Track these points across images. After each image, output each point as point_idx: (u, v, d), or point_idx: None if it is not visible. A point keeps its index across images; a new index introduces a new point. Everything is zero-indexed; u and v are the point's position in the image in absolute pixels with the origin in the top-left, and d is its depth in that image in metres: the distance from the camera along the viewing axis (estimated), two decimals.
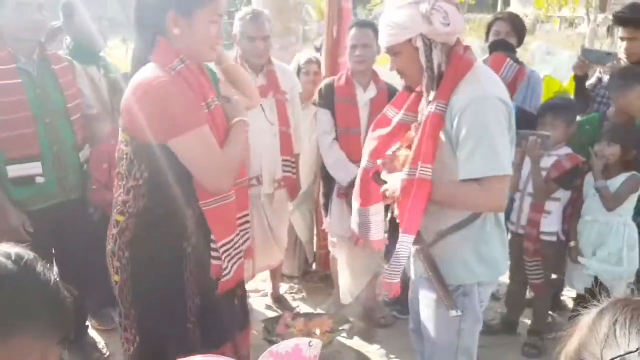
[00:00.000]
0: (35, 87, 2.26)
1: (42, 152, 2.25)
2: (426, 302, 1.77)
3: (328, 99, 2.73)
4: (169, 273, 1.63)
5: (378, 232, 1.96)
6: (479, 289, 1.69)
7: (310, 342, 0.69)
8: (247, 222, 1.86)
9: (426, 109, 1.63)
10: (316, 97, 2.83)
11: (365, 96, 2.72)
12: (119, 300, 1.71)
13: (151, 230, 1.61)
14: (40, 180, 2.27)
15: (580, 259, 2.59)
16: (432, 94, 1.60)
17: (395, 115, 1.79)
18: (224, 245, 1.65)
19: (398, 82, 2.81)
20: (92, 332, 2.83)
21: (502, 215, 1.72)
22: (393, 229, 2.30)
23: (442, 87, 1.58)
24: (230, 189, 1.64)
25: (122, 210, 1.63)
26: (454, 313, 1.63)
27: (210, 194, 1.60)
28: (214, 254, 1.66)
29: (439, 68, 1.58)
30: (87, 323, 2.81)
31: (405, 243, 1.63)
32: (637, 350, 0.62)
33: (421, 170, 1.57)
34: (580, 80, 2.95)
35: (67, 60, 2.46)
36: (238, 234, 1.73)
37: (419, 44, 1.56)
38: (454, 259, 1.67)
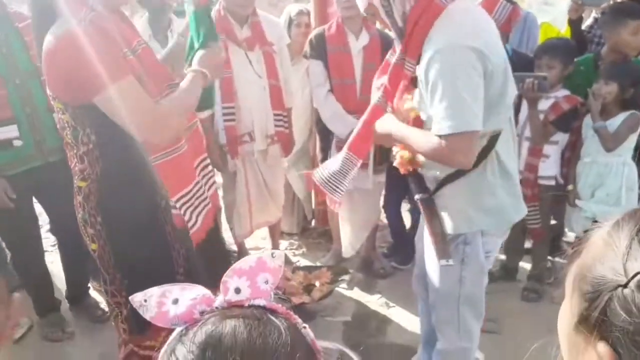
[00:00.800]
0: (0, 47, 2.17)
1: (15, 115, 2.19)
2: (429, 249, 1.75)
3: (319, 49, 2.65)
4: (147, 229, 1.59)
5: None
6: (483, 238, 1.65)
7: (273, 253, 0.65)
8: (208, 165, 1.81)
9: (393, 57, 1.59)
10: (307, 48, 2.74)
11: (357, 44, 2.64)
12: (100, 267, 1.66)
13: (117, 190, 1.54)
14: (17, 143, 2.21)
15: (577, 201, 2.57)
16: (399, 47, 1.55)
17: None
18: (181, 197, 1.60)
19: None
20: (93, 293, 2.84)
21: (510, 162, 1.63)
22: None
23: (407, 41, 1.51)
24: (170, 140, 1.55)
25: (82, 177, 1.56)
26: (443, 262, 1.60)
27: (157, 147, 1.53)
28: (175, 205, 1.61)
29: (402, 17, 1.50)
30: (89, 284, 2.82)
31: (348, 161, 1.73)
32: None
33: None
34: (575, 23, 2.87)
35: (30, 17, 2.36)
36: (198, 182, 1.68)
37: (375, 2, 1.50)
38: (452, 208, 1.64)
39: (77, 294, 2.75)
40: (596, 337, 0.57)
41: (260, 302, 0.62)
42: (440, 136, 1.45)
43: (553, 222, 2.93)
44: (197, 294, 0.62)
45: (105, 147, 1.51)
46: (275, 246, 3.28)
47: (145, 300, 0.62)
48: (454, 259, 1.62)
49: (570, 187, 2.64)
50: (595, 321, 0.57)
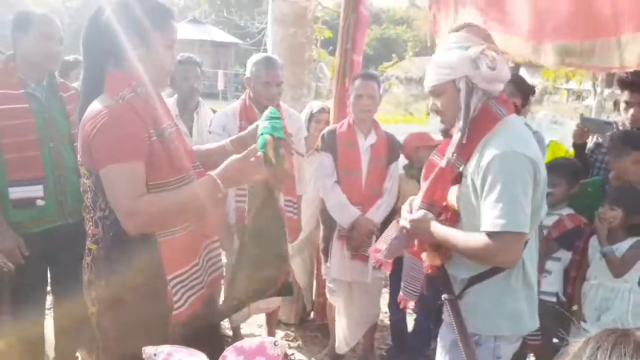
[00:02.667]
0: (43, 112, 2.32)
1: (44, 176, 2.28)
2: (442, 344, 1.78)
3: (330, 143, 2.80)
4: (148, 300, 1.60)
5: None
6: (495, 342, 1.66)
7: (276, 341, 0.69)
8: (216, 248, 1.80)
9: (449, 155, 1.67)
10: (319, 142, 2.89)
11: (366, 142, 2.79)
12: (97, 332, 1.65)
13: (124, 258, 1.57)
14: (40, 203, 2.28)
15: (583, 324, 2.52)
16: (454, 148, 1.64)
17: (439, 160, 1.80)
18: (177, 276, 1.60)
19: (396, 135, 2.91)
20: None
21: (532, 273, 1.70)
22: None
23: (463, 145, 1.62)
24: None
25: (94, 240, 1.61)
26: None
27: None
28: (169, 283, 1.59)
29: (472, 112, 1.61)
30: (77, 353, 2.75)
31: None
32: None
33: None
34: (579, 147, 2.98)
35: (74, 88, 2.53)
36: (197, 264, 1.67)
37: (462, 85, 1.59)
38: (476, 308, 1.67)
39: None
40: None
41: None
42: (490, 234, 1.52)
43: (555, 340, 2.85)
44: None
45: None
46: (271, 335, 3.20)
47: (155, 354, 0.66)
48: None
49: (575, 307, 2.60)
50: None
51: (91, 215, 1.61)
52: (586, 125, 2.90)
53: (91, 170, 1.55)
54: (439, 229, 1.66)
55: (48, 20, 2.32)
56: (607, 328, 0.72)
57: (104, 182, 1.50)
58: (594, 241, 2.55)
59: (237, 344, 0.67)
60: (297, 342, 3.32)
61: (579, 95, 16.70)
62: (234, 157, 1.61)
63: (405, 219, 1.79)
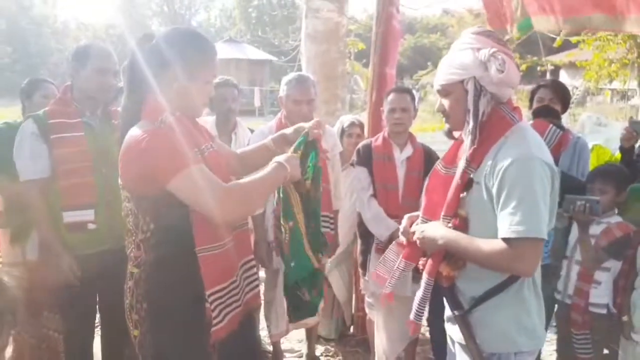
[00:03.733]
0: (96, 140, 2.42)
1: (97, 200, 2.37)
2: None
3: (365, 158, 2.80)
4: (189, 323, 1.63)
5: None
6: (515, 358, 1.61)
7: None
8: (253, 267, 1.83)
9: (462, 161, 1.64)
10: (354, 157, 2.90)
11: (402, 155, 2.77)
12: (139, 355, 1.68)
13: (166, 280, 1.61)
14: (92, 226, 2.37)
15: (633, 335, 2.42)
16: (468, 152, 1.60)
17: (443, 169, 1.78)
18: (215, 292, 1.62)
19: (429, 144, 2.88)
20: None
21: (539, 282, 1.65)
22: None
23: (475, 149, 1.59)
24: (239, 220, 1.62)
25: (136, 264, 1.65)
26: None
27: (204, 239, 1.59)
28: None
29: (482, 116, 1.58)
30: None
31: (427, 284, 1.71)
32: None
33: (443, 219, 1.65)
34: (627, 151, 2.90)
35: None
36: (235, 281, 1.70)
37: (470, 86, 1.57)
38: (491, 326, 1.62)
39: None
40: None
41: None
42: (507, 240, 1.47)
43: (606, 351, 2.73)
44: None
45: (161, 237, 1.59)
46: (311, 350, 3.21)
47: None
48: None
49: (625, 318, 2.50)
50: None
51: (133, 238, 1.66)
52: (635, 129, 2.80)
53: (134, 192, 1.60)
54: (449, 235, 1.61)
55: (106, 55, 2.42)
56: None
57: (178, 191, 1.51)
58: None
59: None
60: (338, 358, 3.30)
61: (623, 95, 16.08)
62: (288, 155, 1.73)
63: (414, 231, 1.74)
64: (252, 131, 3.11)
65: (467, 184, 1.60)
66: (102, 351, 2.73)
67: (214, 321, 1.63)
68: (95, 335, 2.71)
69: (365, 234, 2.83)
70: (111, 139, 2.46)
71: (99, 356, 2.76)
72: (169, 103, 1.61)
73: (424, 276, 1.72)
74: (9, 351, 2.90)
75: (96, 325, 2.81)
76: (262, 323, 3.19)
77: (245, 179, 1.63)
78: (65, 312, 2.58)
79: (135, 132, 1.57)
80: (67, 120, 2.38)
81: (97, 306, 2.67)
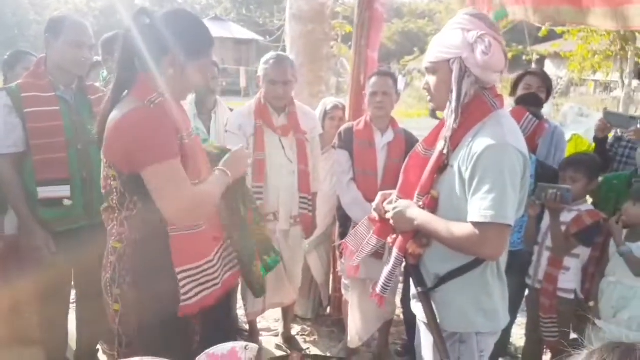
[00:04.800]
0: (71, 114, 2.39)
1: (71, 176, 2.35)
2: (425, 345, 1.76)
3: (347, 141, 2.80)
4: (172, 296, 1.65)
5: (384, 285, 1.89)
6: (477, 338, 1.67)
7: (247, 345, 0.72)
8: (230, 247, 1.87)
9: (440, 141, 1.66)
10: (335, 140, 2.90)
11: (382, 140, 2.78)
12: (118, 329, 1.70)
13: (150, 256, 1.63)
14: (67, 202, 2.35)
15: (597, 321, 2.49)
16: (449, 132, 1.62)
17: (423, 151, 1.80)
18: (186, 270, 1.66)
19: (413, 129, 2.89)
20: (102, 357, 2.86)
21: (503, 266, 1.70)
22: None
23: (454, 131, 1.61)
24: (193, 223, 1.65)
25: (119, 239, 1.66)
26: None
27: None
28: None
29: (464, 97, 1.60)
30: (98, 346, 2.84)
31: (396, 259, 1.76)
32: None
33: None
34: (600, 141, 2.95)
35: (102, 90, 2.59)
36: (211, 261, 1.73)
37: (455, 66, 1.58)
38: (452, 305, 1.66)
39: (86, 355, 2.76)
40: None
41: None
42: (476, 224, 1.51)
43: (573, 335, 2.82)
44: None
45: (147, 215, 1.61)
46: (287, 329, 3.25)
47: None
48: (451, 358, 1.62)
49: (591, 303, 2.57)
50: None
51: (116, 215, 1.66)
52: (609, 121, 2.85)
53: (123, 171, 1.59)
54: (422, 216, 1.64)
55: (80, 27, 2.37)
56: (612, 342, 0.71)
57: (148, 180, 1.54)
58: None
59: (210, 350, 0.72)
60: (314, 337, 3.35)
61: (606, 87, 16.27)
62: (229, 153, 1.84)
63: (388, 210, 1.78)
64: (232, 111, 3.10)
65: (442, 166, 1.63)
66: (77, 326, 2.74)
67: (182, 297, 1.65)
68: (70, 311, 2.72)
69: (343, 217, 2.86)
70: (86, 115, 2.43)
71: (74, 331, 2.77)
72: (160, 84, 1.61)
73: (394, 251, 1.77)
74: None
75: (71, 302, 2.81)
76: (239, 302, 3.22)
77: (200, 187, 1.65)
78: (39, 288, 2.57)
79: (122, 109, 1.57)
80: (40, 94, 2.33)
81: (73, 282, 2.67)
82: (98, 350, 2.84)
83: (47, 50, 2.38)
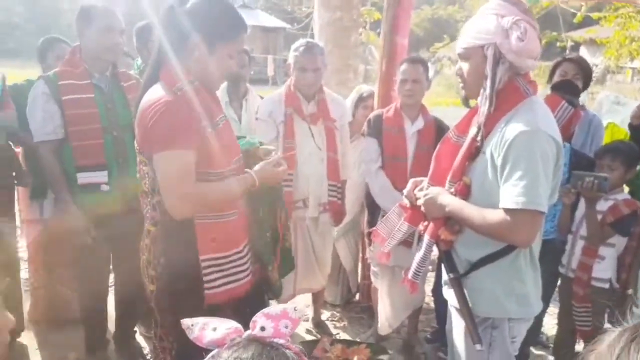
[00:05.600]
0: (106, 102, 2.45)
1: (107, 162, 2.42)
2: (457, 331, 1.77)
3: (376, 129, 2.80)
4: (200, 283, 1.68)
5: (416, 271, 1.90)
6: (509, 324, 1.67)
7: (295, 307, 0.84)
8: None
9: (473, 128, 1.65)
10: (364, 127, 2.90)
11: (412, 127, 2.76)
12: (155, 309, 1.75)
13: (183, 238, 1.65)
14: (104, 188, 2.42)
15: (635, 309, 2.45)
16: (483, 118, 1.60)
17: (455, 137, 1.79)
18: (213, 259, 1.67)
19: (443, 118, 2.87)
20: (139, 338, 2.95)
21: (537, 253, 1.69)
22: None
23: (487, 119, 1.59)
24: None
25: (152, 222, 1.71)
26: (478, 347, 1.62)
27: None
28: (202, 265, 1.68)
29: (498, 83, 1.58)
30: (135, 328, 2.93)
31: (427, 245, 1.76)
32: None
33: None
34: (635, 128, 2.86)
35: (135, 78, 2.65)
36: (240, 252, 1.74)
37: (490, 52, 1.56)
38: (484, 291, 1.66)
39: (124, 336, 2.84)
40: None
41: (279, 340, 0.79)
42: (508, 210, 1.50)
43: (607, 325, 2.78)
44: (232, 326, 0.81)
45: None
46: (317, 315, 3.29)
47: (192, 325, 0.82)
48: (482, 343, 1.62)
49: (630, 291, 2.52)
50: None
51: (149, 199, 1.71)
52: None
53: (149, 156, 1.63)
54: (453, 202, 1.64)
55: (109, 14, 2.42)
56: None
57: (156, 166, 1.59)
58: None
59: (265, 309, 0.82)
60: (343, 323, 3.38)
61: None
62: (268, 161, 1.82)
63: (419, 197, 1.78)
64: (262, 98, 3.13)
65: (474, 153, 1.62)
66: (116, 308, 2.83)
67: (206, 286, 1.67)
68: (109, 293, 2.81)
69: (372, 205, 2.86)
70: (120, 102, 2.49)
71: (113, 313, 2.87)
72: (188, 71, 1.63)
73: (425, 237, 1.77)
74: (26, 306, 3.02)
75: (110, 285, 2.90)
76: None
77: (210, 184, 1.65)
78: (80, 271, 2.67)
79: (151, 95, 1.60)
80: (76, 82, 2.40)
81: (111, 266, 2.76)
82: (136, 332, 2.93)
83: (80, 39, 2.44)
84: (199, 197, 1.61)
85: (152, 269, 1.71)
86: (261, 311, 0.81)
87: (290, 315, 0.81)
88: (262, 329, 0.80)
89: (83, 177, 2.39)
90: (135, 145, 1.70)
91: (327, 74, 3.53)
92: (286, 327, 0.81)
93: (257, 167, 1.78)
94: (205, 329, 0.81)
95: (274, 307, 0.83)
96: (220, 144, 1.65)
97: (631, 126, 2.90)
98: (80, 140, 2.37)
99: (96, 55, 2.43)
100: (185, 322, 0.83)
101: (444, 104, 14.39)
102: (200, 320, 0.83)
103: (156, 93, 1.60)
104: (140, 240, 1.78)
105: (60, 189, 2.42)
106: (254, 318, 0.81)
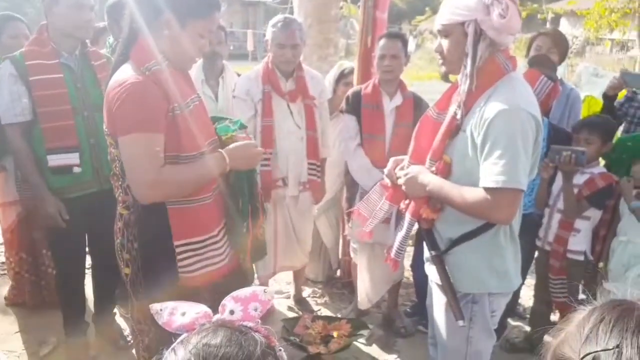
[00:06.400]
0: (76, 81, 2.38)
1: (79, 144, 2.36)
2: (438, 307, 1.79)
3: (354, 105, 2.77)
4: (175, 267, 1.66)
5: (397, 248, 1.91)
6: (489, 299, 1.70)
7: (265, 289, 0.84)
8: None
9: (453, 105, 1.64)
10: (343, 103, 2.87)
11: (391, 104, 2.74)
12: (130, 292, 1.74)
13: (155, 222, 1.63)
14: (77, 169, 2.37)
15: (605, 284, 2.50)
16: (464, 97, 1.59)
17: (435, 115, 1.77)
18: (187, 244, 1.65)
19: (422, 95, 2.85)
20: (119, 320, 2.94)
21: (516, 229, 1.71)
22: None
23: (468, 96, 1.59)
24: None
25: (124, 206, 1.68)
26: (460, 323, 1.65)
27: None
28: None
29: (479, 61, 1.57)
30: (115, 310, 2.92)
31: (409, 224, 1.76)
32: (612, 348, 0.61)
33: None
34: (610, 99, 2.88)
35: (106, 56, 2.57)
36: (215, 236, 1.71)
37: (470, 29, 1.54)
38: (464, 267, 1.68)
39: (103, 318, 2.84)
40: None
41: (248, 323, 0.79)
42: (488, 189, 1.51)
43: (582, 296, 2.85)
44: (201, 311, 0.80)
45: None
46: (298, 292, 3.31)
47: (161, 310, 0.82)
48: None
49: (601, 264, 2.58)
50: None
51: (120, 183, 1.67)
52: (626, 80, 2.77)
53: (116, 139, 1.59)
54: (434, 181, 1.64)
55: None
56: (613, 299, 0.71)
57: (121, 150, 1.55)
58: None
59: (234, 292, 0.82)
60: (324, 299, 3.42)
61: (623, 46, 15.81)
62: (243, 142, 1.74)
63: (400, 176, 1.78)
64: (239, 76, 3.07)
65: (454, 130, 1.62)
66: (94, 290, 2.81)
67: (182, 270, 1.66)
68: (86, 275, 2.78)
69: (351, 182, 2.86)
70: (90, 81, 2.42)
71: (92, 295, 2.85)
72: (159, 50, 1.58)
73: (407, 216, 1.78)
74: (4, 290, 2.98)
75: (87, 267, 2.88)
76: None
77: (178, 167, 1.60)
78: (55, 254, 2.64)
79: (118, 77, 1.55)
80: (44, 62, 2.32)
81: (87, 248, 2.73)
82: (115, 313, 2.92)
83: (48, 17, 2.35)
84: (165, 182, 1.57)
85: (127, 252, 1.69)
86: (230, 294, 0.81)
87: (260, 297, 0.81)
88: (231, 312, 0.80)
89: (54, 159, 2.33)
90: (104, 127, 1.65)
91: (307, 49, 3.47)
92: (255, 309, 0.81)
93: (230, 147, 1.73)
94: (174, 313, 0.81)
95: (244, 290, 0.82)
96: (190, 126, 1.60)
97: (606, 96, 2.92)
98: (50, 121, 2.31)
99: (66, 33, 2.35)
100: (154, 306, 0.83)
101: (425, 77, 14.30)
102: (169, 305, 0.82)
103: (124, 73, 1.55)
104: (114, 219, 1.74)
105: (31, 172, 2.36)
106: (222, 302, 0.80)
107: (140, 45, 1.58)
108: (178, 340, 0.77)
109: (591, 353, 0.62)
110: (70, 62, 2.38)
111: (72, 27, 2.33)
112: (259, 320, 0.81)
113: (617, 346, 0.61)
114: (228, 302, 0.81)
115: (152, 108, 1.52)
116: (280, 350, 0.79)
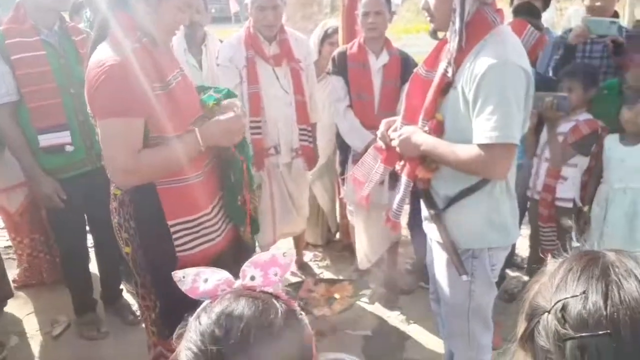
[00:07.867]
0: (59, 58, 2.33)
1: (68, 122, 2.33)
2: (439, 264, 1.83)
3: (341, 66, 2.74)
4: (171, 245, 1.67)
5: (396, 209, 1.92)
6: (489, 253, 1.72)
7: (284, 252, 0.84)
8: None
9: (443, 62, 1.62)
10: (329, 65, 2.83)
11: (377, 62, 2.71)
12: (132, 270, 1.77)
13: (149, 201, 1.63)
14: (69, 148, 2.35)
15: (608, 229, 2.47)
16: (454, 53, 1.58)
17: (424, 72, 1.76)
18: (181, 223, 1.66)
19: (411, 49, 2.80)
20: (126, 295, 3.00)
21: (512, 183, 1.73)
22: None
23: (458, 53, 1.57)
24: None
25: (116, 186, 1.68)
26: (464, 277, 1.69)
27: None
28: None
29: (467, 16, 1.55)
30: (122, 286, 2.97)
31: (406, 185, 1.78)
32: (580, 295, 0.65)
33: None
34: (571, 48, 2.74)
35: (85, 31, 2.52)
36: (208, 214, 1.72)
37: None
38: (463, 224, 1.71)
39: (111, 295, 2.89)
40: (528, 354, 0.68)
41: (269, 289, 0.81)
42: (482, 146, 1.52)
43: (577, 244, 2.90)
44: (222, 277, 0.82)
45: None
46: (299, 257, 3.37)
47: (183, 277, 0.83)
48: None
49: (585, 208, 2.60)
50: (527, 339, 0.69)
51: None
52: (589, 27, 2.66)
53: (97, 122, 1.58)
54: (428, 140, 1.64)
55: None
56: (584, 250, 0.74)
57: (100, 133, 1.54)
58: (608, 143, 2.50)
59: (253, 258, 0.83)
60: (326, 262, 3.48)
61: None
62: (216, 119, 1.69)
63: (393, 137, 1.78)
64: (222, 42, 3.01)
65: (445, 87, 1.61)
66: (99, 268, 2.86)
67: (178, 249, 1.67)
68: (89, 254, 2.82)
69: (343, 145, 2.86)
70: (73, 57, 2.38)
71: (98, 278, 2.89)
72: (138, 26, 1.55)
73: (403, 178, 1.79)
74: (12, 273, 2.99)
75: (91, 246, 2.91)
76: None
77: (157, 152, 1.58)
78: (57, 234, 2.65)
79: (97, 57, 1.53)
80: (25, 39, 2.27)
81: (88, 226, 2.75)
82: (122, 290, 2.97)
83: None
84: (141, 169, 1.57)
85: (125, 231, 1.70)
86: (250, 260, 0.82)
87: (280, 261, 0.82)
88: (252, 278, 0.81)
89: (45, 139, 2.31)
90: (87, 108, 1.64)
91: (290, 7, 3.38)
92: (275, 274, 0.81)
93: (203, 125, 1.67)
94: (197, 280, 0.82)
95: (263, 254, 0.83)
96: (173, 105, 1.59)
97: (568, 45, 2.73)
98: (37, 100, 2.28)
99: (42, 7, 2.28)
100: (177, 274, 0.83)
101: (413, 30, 13.96)
102: (191, 272, 0.83)
103: (103, 53, 1.52)
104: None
105: (23, 153, 2.34)
106: (243, 267, 0.81)
107: (119, 21, 1.55)
108: (201, 307, 0.79)
109: (561, 300, 0.66)
110: (50, 38, 2.34)
111: (50, 1, 2.27)
112: (280, 284, 0.82)
113: (584, 292, 0.65)
114: (248, 268, 0.81)
115: (130, 90, 1.50)
116: (301, 314, 0.81)
